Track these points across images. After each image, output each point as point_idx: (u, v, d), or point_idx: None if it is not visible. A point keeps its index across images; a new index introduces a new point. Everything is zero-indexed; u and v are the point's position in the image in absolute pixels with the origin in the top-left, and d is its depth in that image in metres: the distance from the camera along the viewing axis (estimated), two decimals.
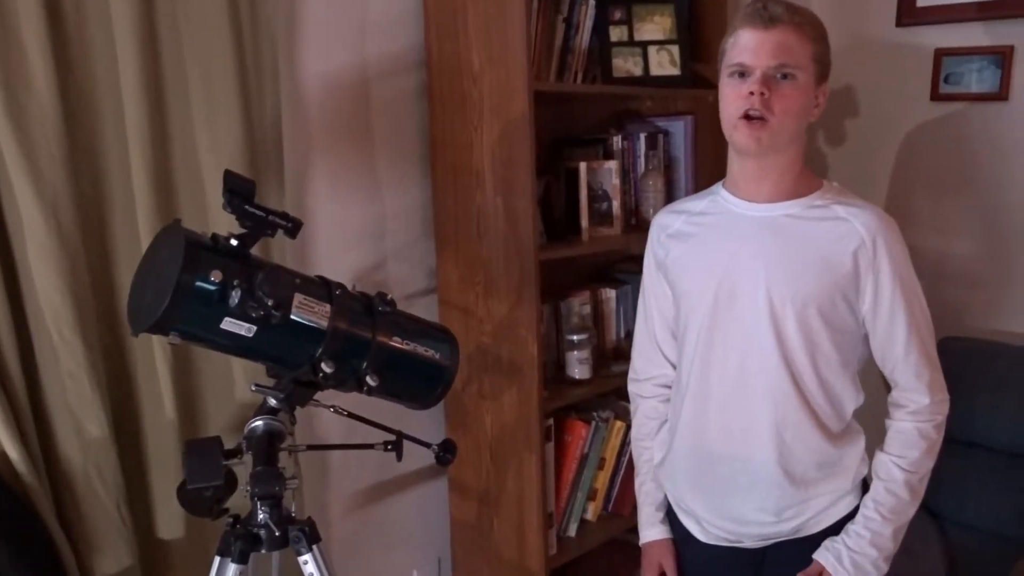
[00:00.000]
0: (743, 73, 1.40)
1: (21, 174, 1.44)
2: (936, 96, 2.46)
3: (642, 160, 2.37)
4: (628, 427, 2.03)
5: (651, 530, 1.69)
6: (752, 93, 1.37)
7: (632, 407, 1.76)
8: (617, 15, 2.23)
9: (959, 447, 2.21)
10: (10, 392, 1.47)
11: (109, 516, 1.59)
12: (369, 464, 2.15)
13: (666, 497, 1.68)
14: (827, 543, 1.50)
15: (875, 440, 1.53)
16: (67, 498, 1.57)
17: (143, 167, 1.59)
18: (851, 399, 1.50)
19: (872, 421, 1.56)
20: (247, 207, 1.18)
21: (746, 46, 1.40)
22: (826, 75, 1.45)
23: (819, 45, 1.42)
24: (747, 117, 1.39)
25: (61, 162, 1.48)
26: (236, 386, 1.74)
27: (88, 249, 1.56)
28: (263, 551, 1.29)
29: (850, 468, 1.52)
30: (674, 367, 1.65)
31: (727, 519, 1.56)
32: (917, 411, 1.47)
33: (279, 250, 1.76)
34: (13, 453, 1.46)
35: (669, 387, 1.67)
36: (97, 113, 1.57)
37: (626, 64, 2.24)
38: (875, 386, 1.61)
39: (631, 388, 1.75)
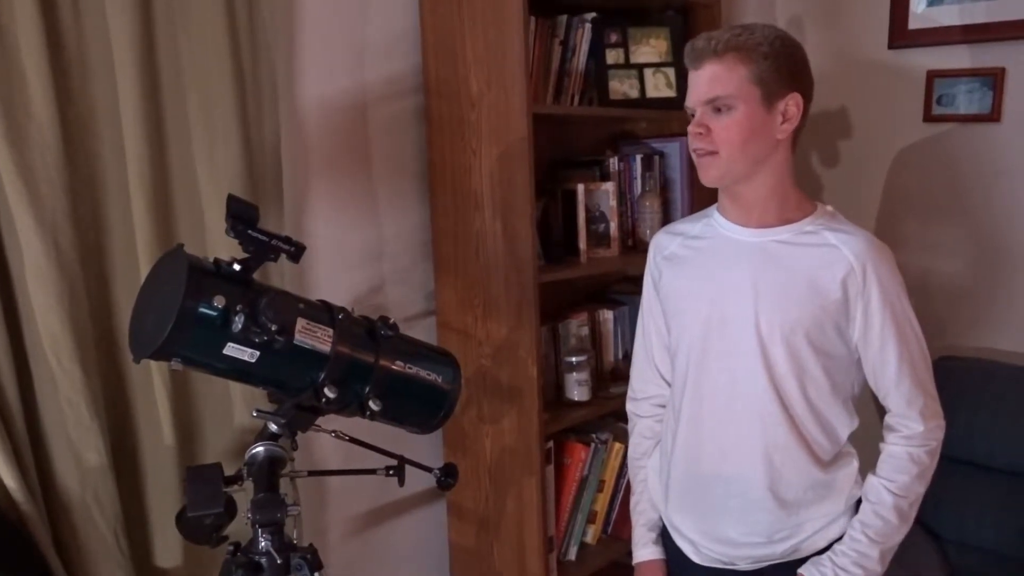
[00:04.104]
0: (694, 114, 1.45)
1: (20, 199, 1.44)
2: (929, 117, 2.49)
3: (638, 181, 2.38)
4: (627, 448, 2.03)
5: (643, 550, 1.69)
6: (691, 131, 1.44)
7: (629, 427, 1.76)
8: (613, 38, 2.25)
9: (958, 467, 2.22)
10: (8, 419, 1.46)
11: (106, 544, 1.57)
12: (367, 488, 2.13)
13: (660, 517, 1.68)
14: (814, 559, 1.50)
15: (869, 462, 1.52)
16: (64, 526, 1.55)
17: (142, 193, 1.58)
18: (844, 425, 1.50)
19: (867, 443, 1.55)
20: (250, 232, 1.18)
21: (689, 87, 1.45)
22: (785, 88, 1.41)
23: (757, 64, 1.39)
24: (698, 153, 1.45)
25: (60, 187, 1.48)
26: (235, 411, 1.73)
27: (87, 275, 1.55)
28: None
29: (843, 491, 1.52)
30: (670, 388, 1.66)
31: (719, 542, 1.55)
32: (910, 436, 1.47)
33: (278, 274, 1.75)
34: (10, 481, 1.44)
35: (665, 407, 1.67)
36: (96, 138, 1.56)
37: (622, 86, 2.25)
38: (871, 408, 1.61)
39: (629, 407, 1.75)
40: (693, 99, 1.44)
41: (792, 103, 1.42)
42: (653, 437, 1.70)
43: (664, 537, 1.67)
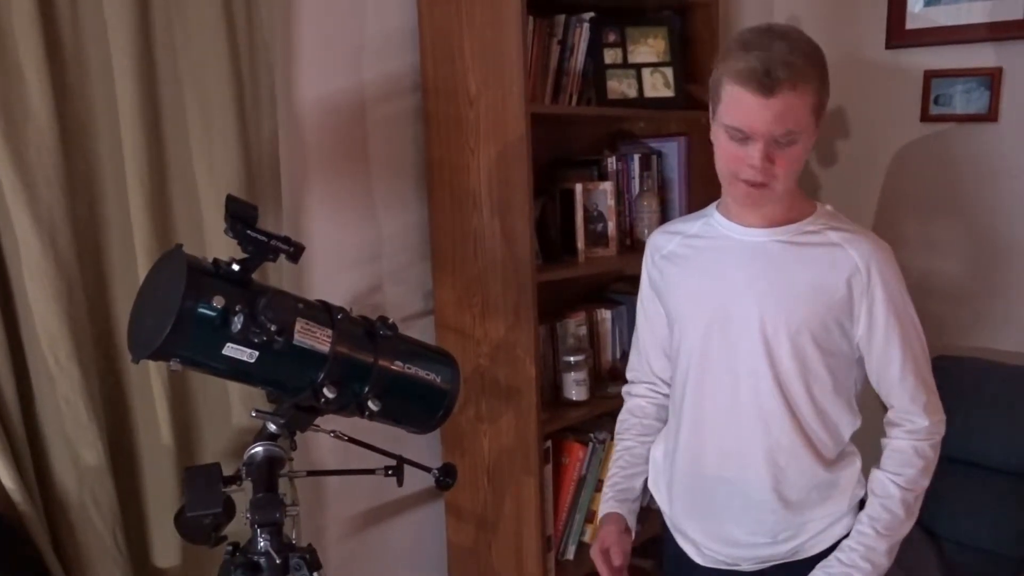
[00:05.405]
0: (744, 138, 1.34)
1: (18, 198, 1.44)
2: (926, 117, 2.50)
3: (636, 181, 2.38)
4: None
5: (604, 505, 1.68)
6: (754, 165, 1.33)
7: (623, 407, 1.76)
8: (611, 37, 2.25)
9: (956, 466, 2.22)
10: (5, 418, 1.46)
11: (104, 544, 1.57)
12: (365, 488, 2.13)
13: (629, 486, 1.67)
14: (822, 563, 1.49)
15: (871, 461, 1.52)
16: (62, 526, 1.55)
17: (140, 192, 1.58)
18: (847, 424, 1.50)
19: (868, 441, 1.56)
20: (249, 232, 1.18)
21: (747, 112, 1.31)
22: (826, 104, 1.39)
23: (820, 92, 1.35)
24: (749, 183, 1.37)
25: (58, 186, 1.47)
26: (233, 412, 1.73)
27: (85, 274, 1.55)
28: None
29: (846, 490, 1.51)
30: (665, 384, 1.66)
31: (723, 542, 1.55)
32: (915, 431, 1.47)
33: (276, 273, 1.75)
34: (8, 481, 1.44)
35: (660, 393, 1.68)
36: (94, 137, 1.56)
37: (620, 86, 2.25)
38: (872, 407, 1.61)
39: (624, 389, 1.76)
40: (764, 129, 1.31)
41: (823, 115, 1.40)
42: (641, 416, 1.70)
43: (667, 538, 1.67)
